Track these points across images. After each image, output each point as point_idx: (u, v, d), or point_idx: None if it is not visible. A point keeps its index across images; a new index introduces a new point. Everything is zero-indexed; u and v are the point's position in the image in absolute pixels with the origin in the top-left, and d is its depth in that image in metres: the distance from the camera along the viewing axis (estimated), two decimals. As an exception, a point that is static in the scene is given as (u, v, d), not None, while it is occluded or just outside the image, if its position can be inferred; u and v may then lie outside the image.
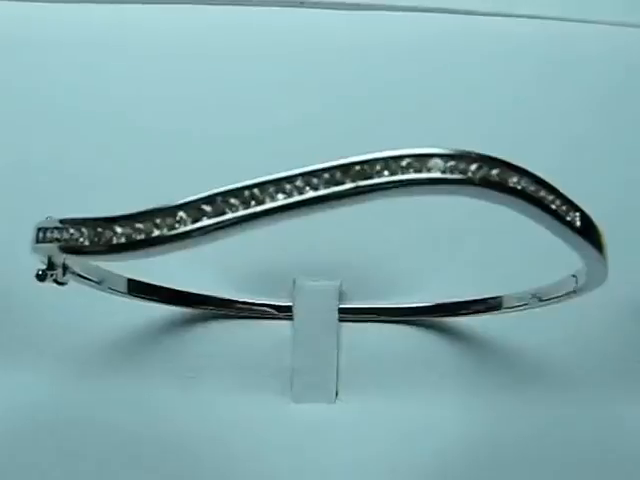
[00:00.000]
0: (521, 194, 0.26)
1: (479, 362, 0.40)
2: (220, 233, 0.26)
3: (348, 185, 0.25)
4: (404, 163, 0.25)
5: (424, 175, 0.25)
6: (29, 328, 0.39)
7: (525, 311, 0.38)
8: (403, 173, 0.25)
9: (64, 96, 0.43)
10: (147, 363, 0.39)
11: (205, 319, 0.40)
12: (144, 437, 0.38)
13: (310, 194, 0.25)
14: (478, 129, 0.42)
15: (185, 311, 0.40)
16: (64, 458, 0.38)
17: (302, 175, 0.25)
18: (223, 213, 0.26)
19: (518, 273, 0.39)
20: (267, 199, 0.25)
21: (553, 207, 0.27)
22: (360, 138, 0.40)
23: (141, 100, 0.43)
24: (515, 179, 0.26)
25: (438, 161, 0.26)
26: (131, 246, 0.26)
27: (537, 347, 0.40)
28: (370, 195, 0.25)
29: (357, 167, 0.25)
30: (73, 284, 0.34)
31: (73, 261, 0.33)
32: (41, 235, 0.29)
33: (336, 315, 0.40)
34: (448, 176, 0.26)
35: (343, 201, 0.25)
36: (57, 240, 0.28)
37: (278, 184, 0.26)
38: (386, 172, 0.25)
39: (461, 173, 0.26)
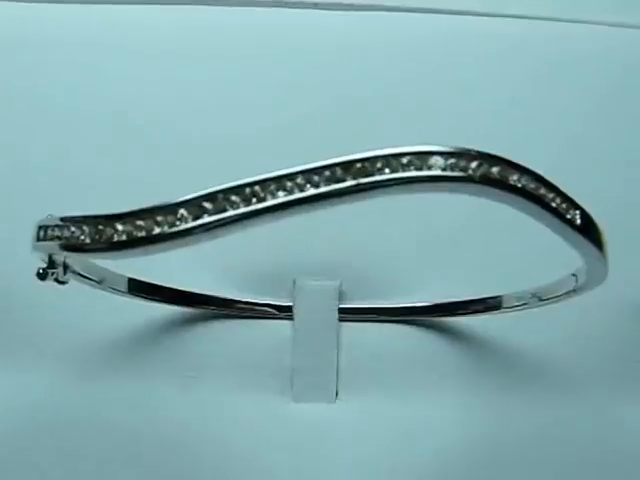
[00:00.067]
0: (521, 192, 0.26)
1: (479, 362, 0.40)
2: (221, 230, 0.26)
3: (349, 182, 0.25)
4: (405, 161, 0.26)
5: (425, 173, 0.26)
6: (29, 327, 0.39)
7: (525, 311, 0.38)
8: (404, 171, 0.25)
9: (65, 96, 0.43)
10: (148, 363, 0.39)
11: (205, 319, 0.40)
12: (145, 436, 0.38)
13: (311, 191, 0.25)
14: (477, 128, 0.42)
15: (185, 311, 0.40)
16: (64, 458, 0.38)
17: (303, 172, 0.26)
18: (224, 210, 0.26)
19: (518, 273, 0.39)
20: (268, 196, 0.26)
21: (553, 205, 0.27)
22: (361, 136, 0.40)
23: (141, 100, 0.43)
24: (515, 177, 0.26)
25: (439, 159, 0.26)
26: (132, 243, 0.26)
27: (537, 347, 0.40)
28: (371, 192, 0.26)
29: (358, 164, 0.25)
30: (73, 283, 0.35)
31: (74, 260, 0.33)
32: (42, 233, 0.29)
33: (336, 315, 0.40)
34: (448, 174, 0.26)
35: (344, 198, 0.25)
36: (58, 238, 0.28)
37: (279, 181, 0.26)
38: (387, 170, 0.25)
39: (461, 171, 0.26)
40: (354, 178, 0.25)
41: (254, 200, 0.26)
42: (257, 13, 0.45)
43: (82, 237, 0.27)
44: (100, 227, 0.27)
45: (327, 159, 0.26)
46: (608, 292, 0.35)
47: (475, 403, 0.39)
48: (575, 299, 0.35)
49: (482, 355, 0.40)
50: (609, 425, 0.39)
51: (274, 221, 0.26)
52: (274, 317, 0.40)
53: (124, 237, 0.27)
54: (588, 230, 0.28)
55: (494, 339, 0.40)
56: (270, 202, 0.25)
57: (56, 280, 0.33)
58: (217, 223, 0.26)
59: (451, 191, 0.26)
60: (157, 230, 0.26)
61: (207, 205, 0.26)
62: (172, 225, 0.26)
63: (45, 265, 0.32)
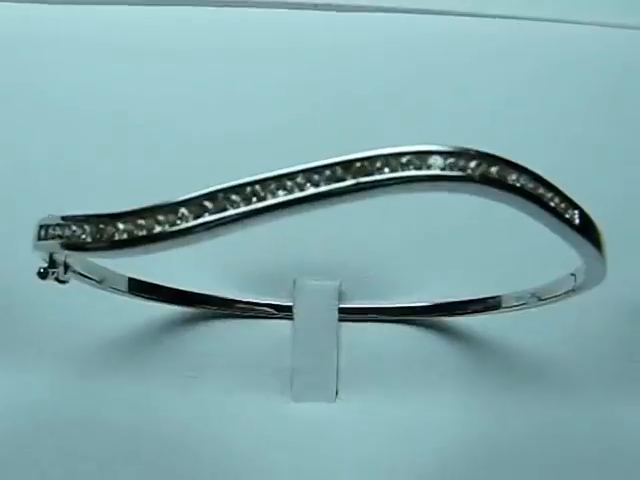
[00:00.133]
0: (520, 191, 0.27)
1: (478, 362, 0.40)
2: (221, 229, 0.26)
3: (349, 182, 0.26)
4: (404, 160, 0.26)
5: (424, 172, 0.26)
6: (30, 326, 0.39)
7: (524, 311, 0.38)
8: (403, 170, 0.26)
9: (65, 96, 0.43)
10: (148, 362, 0.39)
11: (206, 318, 0.40)
12: (145, 436, 0.38)
13: (311, 190, 0.25)
14: (476, 128, 0.42)
15: (186, 310, 0.40)
16: (65, 457, 0.38)
17: (303, 172, 0.26)
18: (224, 209, 0.26)
19: (517, 272, 0.39)
20: (268, 195, 0.26)
21: (552, 204, 0.27)
22: (361, 136, 0.40)
23: (142, 99, 0.43)
24: (514, 176, 0.27)
25: (438, 158, 0.26)
26: (133, 242, 0.27)
27: (536, 347, 0.40)
28: (371, 192, 0.26)
29: (358, 164, 0.26)
30: (74, 283, 0.35)
31: (74, 259, 0.33)
32: (43, 232, 0.29)
33: (336, 315, 0.40)
34: (448, 173, 0.26)
35: (344, 198, 0.26)
36: (59, 237, 0.28)
37: (279, 181, 0.26)
38: (386, 169, 0.26)
39: (460, 170, 0.26)
40: (354, 177, 0.25)
41: (254, 199, 0.26)
42: (257, 14, 0.45)
43: (83, 236, 0.28)
44: (101, 226, 0.27)
45: (327, 158, 0.26)
46: (607, 292, 0.35)
47: (474, 402, 0.39)
48: (574, 299, 0.35)
49: (481, 355, 0.40)
50: (607, 424, 0.39)
51: (274, 220, 0.26)
52: (274, 317, 0.40)
53: (125, 236, 0.27)
54: (587, 230, 0.28)
55: (493, 339, 0.40)
56: (270, 201, 0.26)
57: (57, 279, 0.33)
58: (218, 222, 0.26)
59: (450, 190, 0.26)
60: (158, 229, 0.26)
61: (208, 204, 0.26)
62: (173, 224, 0.26)
63: (46, 264, 0.32)
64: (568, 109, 0.43)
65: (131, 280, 0.38)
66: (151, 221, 0.26)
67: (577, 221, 0.28)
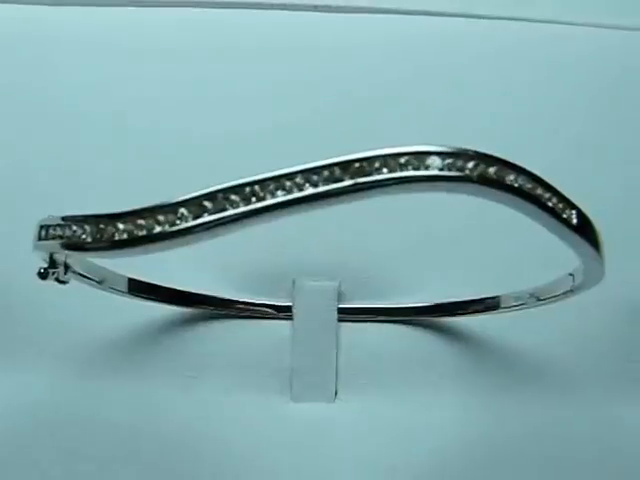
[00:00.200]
0: (518, 191, 0.27)
1: (477, 362, 0.40)
2: (221, 229, 0.26)
3: (347, 182, 0.26)
4: (402, 160, 0.26)
5: (422, 172, 0.26)
6: (30, 327, 0.39)
7: (523, 311, 0.38)
8: (401, 170, 0.26)
9: (66, 97, 0.43)
10: (147, 362, 0.39)
11: (205, 319, 0.40)
12: (145, 436, 0.38)
13: (309, 191, 0.26)
14: (474, 129, 0.42)
15: (185, 311, 0.40)
16: (65, 457, 0.38)
17: (302, 172, 0.26)
18: (224, 209, 0.26)
19: (515, 273, 0.40)
20: (267, 196, 0.26)
21: (550, 205, 0.27)
22: (359, 136, 0.40)
23: (142, 100, 0.43)
24: (512, 177, 0.27)
25: (436, 158, 0.26)
26: (133, 242, 0.27)
27: (535, 347, 0.40)
28: (369, 192, 0.26)
29: (356, 164, 0.26)
30: (74, 283, 0.35)
31: (74, 259, 0.33)
32: (43, 232, 0.29)
33: (335, 315, 0.40)
34: (446, 173, 0.26)
35: (342, 198, 0.26)
36: (59, 237, 0.28)
37: (278, 181, 0.26)
38: (385, 169, 0.26)
39: (459, 170, 0.26)
40: (352, 178, 0.26)
41: (254, 199, 0.26)
42: (256, 15, 0.45)
43: (83, 236, 0.28)
44: (101, 226, 0.27)
45: (326, 159, 0.26)
46: (605, 292, 0.35)
47: (473, 403, 0.39)
48: (573, 299, 0.35)
49: (480, 355, 0.40)
50: (606, 424, 0.39)
51: (273, 220, 0.26)
52: (273, 317, 0.40)
53: (125, 236, 0.27)
54: (584, 230, 0.28)
55: (492, 339, 0.40)
56: (269, 201, 0.26)
57: (57, 280, 0.33)
58: (217, 222, 0.26)
59: (448, 191, 0.26)
60: (158, 229, 0.26)
61: (207, 204, 0.26)
62: (173, 224, 0.26)
63: (46, 265, 0.32)
64: (565, 110, 0.44)
65: (131, 280, 0.38)
66: (151, 221, 0.27)
67: (575, 221, 0.28)
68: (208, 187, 0.26)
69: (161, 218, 0.26)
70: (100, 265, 0.36)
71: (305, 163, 0.26)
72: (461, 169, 0.26)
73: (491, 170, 0.26)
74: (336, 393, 0.40)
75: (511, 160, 0.27)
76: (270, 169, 0.26)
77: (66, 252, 0.29)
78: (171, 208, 0.26)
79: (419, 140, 0.26)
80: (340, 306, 0.40)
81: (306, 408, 0.39)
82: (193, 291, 0.40)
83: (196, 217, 0.26)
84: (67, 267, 0.33)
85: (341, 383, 0.40)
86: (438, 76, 0.44)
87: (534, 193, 0.27)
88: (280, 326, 0.40)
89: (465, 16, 0.45)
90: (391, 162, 0.26)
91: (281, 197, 0.26)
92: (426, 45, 0.45)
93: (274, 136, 0.42)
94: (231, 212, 0.26)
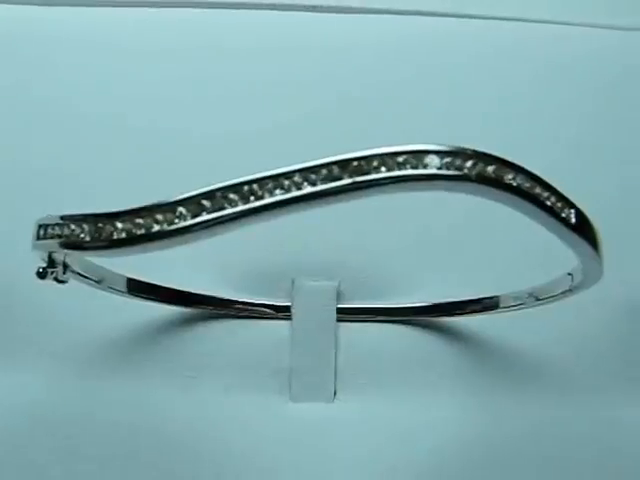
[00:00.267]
0: (516, 190, 0.27)
1: (476, 362, 0.40)
2: (219, 228, 0.26)
3: (345, 181, 0.26)
4: (401, 159, 0.26)
5: (420, 171, 0.26)
6: (29, 326, 0.39)
7: (522, 311, 0.38)
8: (400, 169, 0.26)
9: (64, 96, 0.43)
10: (146, 362, 0.39)
11: (204, 319, 0.40)
12: (144, 435, 0.38)
13: (308, 189, 0.26)
14: (472, 128, 0.42)
15: (184, 311, 0.40)
16: (63, 457, 0.38)
17: (300, 171, 0.26)
18: (222, 208, 0.26)
19: (514, 272, 0.40)
20: (266, 194, 0.26)
21: (548, 204, 0.27)
22: (358, 135, 0.40)
23: (140, 100, 0.43)
24: (511, 176, 0.27)
25: (434, 157, 0.26)
26: (131, 241, 0.27)
27: (533, 347, 0.40)
28: (367, 191, 0.26)
29: (354, 163, 0.26)
30: (73, 283, 0.35)
31: (73, 259, 0.33)
32: (42, 232, 0.29)
33: (334, 315, 0.40)
34: (444, 172, 0.26)
35: (340, 197, 0.26)
36: (58, 236, 0.28)
37: (276, 180, 0.26)
38: (383, 168, 0.26)
39: (457, 169, 0.26)
40: (350, 176, 0.26)
41: (252, 198, 0.26)
42: (253, 16, 0.45)
43: (82, 235, 0.28)
44: (100, 225, 0.27)
45: (324, 158, 0.26)
46: (604, 291, 0.35)
47: (472, 402, 0.39)
48: (571, 299, 0.35)
49: (479, 355, 0.40)
50: (605, 424, 0.39)
51: (272, 219, 0.26)
52: (272, 317, 0.40)
53: (123, 235, 0.27)
54: (583, 229, 0.28)
55: (491, 339, 0.40)
56: (268, 200, 0.26)
57: (56, 279, 0.33)
58: (215, 221, 0.26)
59: (447, 190, 0.26)
60: (156, 228, 0.26)
61: (206, 203, 0.26)
62: (171, 223, 0.26)
63: (45, 264, 0.32)
64: (562, 109, 0.44)
65: (130, 280, 0.39)
66: (149, 220, 0.27)
67: (573, 220, 0.28)
68: (207, 186, 0.26)
69: (160, 217, 0.26)
70: (99, 265, 0.36)
71: (303, 162, 0.26)
72: (459, 168, 0.26)
73: (489, 169, 0.26)
74: (335, 393, 0.40)
75: (510, 159, 0.27)
76: (268, 168, 0.26)
77: (65, 251, 0.30)
78: (169, 207, 0.26)
79: (417, 139, 0.26)
80: (339, 306, 0.40)
81: (305, 408, 0.39)
82: (192, 291, 0.40)
83: (194, 216, 0.26)
84: (66, 267, 0.33)
85: (340, 383, 0.40)
86: (435, 75, 0.44)
87: (532, 192, 0.27)
88: (279, 326, 0.40)
89: (461, 17, 0.45)
90: (389, 161, 0.26)
91: (279, 196, 0.26)
92: (423, 45, 0.45)
93: (272, 135, 0.42)
94: (229, 211, 0.26)
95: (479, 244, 0.41)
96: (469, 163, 0.26)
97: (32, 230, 0.30)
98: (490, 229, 0.41)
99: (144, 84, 0.44)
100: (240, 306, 0.40)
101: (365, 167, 0.26)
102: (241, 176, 0.26)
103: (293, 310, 0.40)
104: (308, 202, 0.26)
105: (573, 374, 0.40)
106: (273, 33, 0.45)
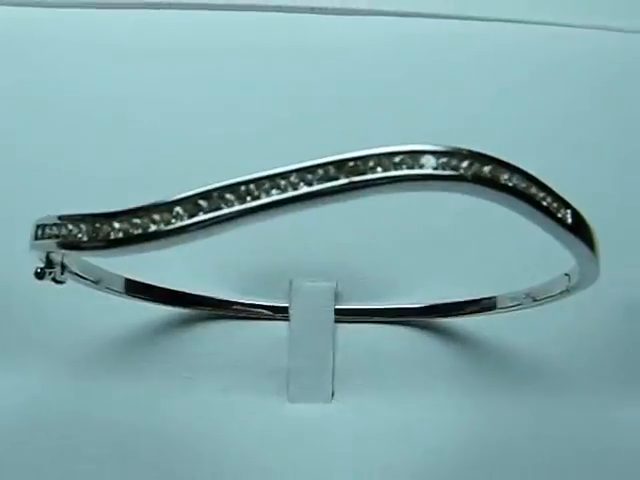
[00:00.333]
0: (512, 191, 0.27)
1: (474, 362, 0.40)
2: (216, 228, 0.26)
3: (342, 181, 0.26)
4: (397, 159, 0.26)
5: (416, 171, 0.26)
6: (26, 327, 0.39)
7: (519, 312, 0.38)
8: (396, 169, 0.26)
9: (61, 96, 0.43)
10: (144, 363, 0.39)
11: (202, 319, 0.40)
12: (141, 436, 0.38)
13: (304, 190, 0.26)
14: (468, 128, 0.42)
15: (182, 311, 0.40)
16: (60, 457, 0.38)
17: (296, 171, 0.26)
18: (219, 208, 0.26)
19: (512, 273, 0.40)
20: (262, 194, 0.26)
21: (544, 204, 0.27)
22: (354, 136, 0.40)
23: (137, 100, 0.43)
24: (507, 176, 0.27)
25: (430, 158, 0.26)
26: (128, 241, 0.27)
27: (531, 347, 0.40)
28: (363, 191, 0.26)
29: (351, 163, 0.26)
30: (70, 283, 0.35)
31: (71, 259, 0.33)
32: (40, 232, 0.29)
33: (332, 316, 0.40)
34: (440, 172, 0.26)
35: (336, 197, 0.26)
36: (56, 236, 0.28)
37: (273, 180, 0.26)
38: (379, 168, 0.26)
39: (453, 170, 0.26)
40: (347, 177, 0.26)
41: (248, 198, 0.26)
42: (254, 17, 0.45)
43: (79, 235, 0.28)
44: (97, 225, 0.27)
45: (320, 158, 0.26)
46: (601, 291, 0.35)
47: (469, 403, 0.39)
48: (569, 299, 0.35)
49: (477, 356, 0.40)
50: (603, 425, 0.39)
51: (268, 219, 0.26)
52: (270, 318, 0.40)
53: (121, 235, 0.27)
54: (579, 229, 0.28)
55: (489, 340, 0.40)
56: (264, 200, 0.26)
57: (53, 280, 0.33)
58: (212, 221, 0.26)
59: (443, 190, 0.26)
60: (153, 228, 0.27)
61: (202, 203, 0.26)
62: (168, 223, 0.26)
63: (43, 264, 0.32)
64: (562, 110, 0.44)
65: (127, 281, 0.39)
66: (146, 220, 0.27)
67: (569, 220, 0.28)
68: (203, 186, 0.26)
69: (157, 217, 0.26)
70: (97, 265, 0.36)
71: (300, 162, 0.26)
72: (455, 168, 0.26)
73: (485, 169, 0.26)
74: (333, 394, 0.40)
75: (506, 159, 0.27)
76: (265, 168, 0.26)
77: (62, 251, 0.30)
78: (166, 207, 0.26)
79: (414, 140, 0.27)
80: (337, 307, 0.40)
81: (303, 409, 0.39)
82: (190, 292, 0.40)
83: (191, 216, 0.26)
84: (64, 267, 0.33)
85: (338, 384, 0.40)
86: (436, 76, 0.44)
87: (528, 192, 0.27)
88: (277, 327, 0.40)
89: (461, 18, 0.45)
90: (385, 161, 0.26)
91: (276, 196, 0.26)
92: (424, 46, 0.45)
93: (269, 135, 0.42)
94: (226, 211, 0.26)
95: (476, 245, 0.41)
96: (465, 163, 0.26)
97: (30, 230, 0.30)
98: (487, 230, 0.41)
99: (141, 85, 0.44)
100: (238, 307, 0.40)
101: (361, 167, 0.26)
102: (238, 176, 0.26)
103: (291, 311, 0.40)
104: (304, 202, 0.26)
105: (570, 374, 0.40)
106: (277, 35, 0.45)
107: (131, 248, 0.27)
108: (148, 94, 0.44)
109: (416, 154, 0.26)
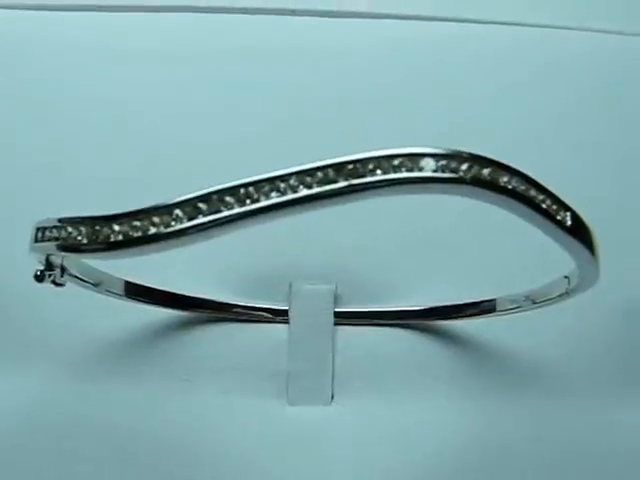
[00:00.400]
0: (512, 193, 0.27)
1: (473, 365, 0.40)
2: (215, 231, 0.26)
3: (341, 184, 0.26)
4: (396, 162, 0.26)
5: (416, 174, 0.26)
6: (26, 329, 0.39)
7: (518, 314, 0.39)
8: (395, 172, 0.26)
9: (61, 99, 0.43)
10: (144, 366, 0.39)
11: (202, 322, 0.40)
12: (141, 439, 0.38)
13: (304, 192, 0.26)
14: (467, 131, 0.42)
15: (182, 314, 0.40)
16: (60, 460, 0.38)
17: (296, 174, 0.26)
18: (218, 211, 0.26)
19: (511, 276, 0.40)
20: (262, 197, 0.26)
21: (543, 206, 0.27)
22: (353, 138, 0.40)
23: (137, 103, 0.43)
24: (506, 178, 0.27)
25: (430, 160, 0.26)
26: (128, 243, 0.27)
27: (530, 350, 0.40)
28: (363, 194, 0.26)
29: (350, 166, 0.26)
30: (70, 286, 0.35)
31: (71, 262, 0.33)
32: (39, 234, 0.29)
33: (332, 318, 0.40)
34: (439, 175, 0.26)
35: (336, 199, 0.26)
36: (55, 239, 0.28)
37: (272, 182, 0.26)
38: (378, 171, 0.26)
39: (452, 172, 0.26)
40: (346, 179, 0.26)
41: (248, 201, 0.26)
42: (253, 20, 0.45)
43: (79, 237, 0.28)
44: (97, 227, 0.27)
45: (320, 160, 0.26)
46: (601, 294, 0.35)
47: (469, 406, 0.39)
48: (568, 302, 0.35)
49: (476, 358, 0.40)
50: (603, 427, 0.39)
51: (268, 222, 0.26)
52: (270, 321, 0.40)
53: (120, 237, 0.27)
54: (579, 231, 0.28)
55: (488, 342, 0.40)
56: (263, 203, 0.26)
57: (53, 282, 0.33)
58: (212, 224, 0.26)
59: (442, 192, 0.26)
60: (153, 230, 0.27)
61: (202, 206, 0.26)
62: (167, 225, 0.26)
63: (43, 267, 0.32)
64: (560, 113, 0.44)
65: (127, 283, 0.39)
66: (146, 222, 0.27)
67: (569, 223, 0.28)
68: (203, 189, 0.26)
69: (156, 220, 0.26)
70: (96, 268, 0.36)
71: (299, 165, 0.26)
72: (455, 171, 0.26)
73: (485, 172, 0.26)
74: (332, 396, 0.40)
75: (505, 162, 0.27)
76: (264, 171, 0.26)
77: (62, 254, 0.30)
78: (166, 210, 0.26)
79: (413, 142, 0.27)
80: (336, 309, 0.40)
81: (302, 411, 0.39)
82: (190, 294, 0.40)
83: (191, 218, 0.26)
84: (63, 269, 0.33)
85: (337, 386, 0.40)
86: (431, 79, 0.44)
87: (528, 195, 0.27)
88: (276, 329, 0.40)
89: (459, 21, 0.45)
90: (385, 164, 0.26)
91: (275, 199, 0.26)
92: (422, 49, 0.45)
93: (268, 138, 0.42)
94: (225, 213, 0.26)
95: (476, 247, 0.41)
96: (464, 166, 0.26)
97: (29, 233, 0.30)
98: (487, 233, 0.41)
99: (141, 87, 0.44)
100: (238, 310, 0.40)
101: (361, 170, 0.26)
102: (237, 179, 0.26)
103: (291, 314, 0.40)
104: (304, 205, 0.26)
105: (570, 377, 0.40)
106: (276, 38, 0.45)
107: (131, 251, 0.27)
108: (148, 97, 0.44)
109: (415, 157, 0.26)
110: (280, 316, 0.40)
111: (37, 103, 0.43)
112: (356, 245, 0.41)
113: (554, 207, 0.28)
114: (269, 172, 0.26)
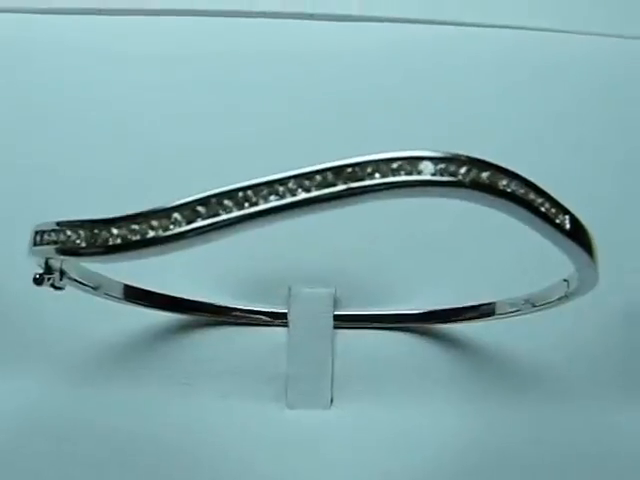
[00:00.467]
0: (511, 197, 0.27)
1: (473, 368, 0.40)
2: (214, 234, 0.26)
3: (340, 187, 0.26)
4: (395, 165, 0.26)
5: (415, 177, 0.26)
6: (25, 333, 0.39)
7: (518, 318, 0.38)
8: (394, 175, 0.26)
9: (61, 102, 0.43)
10: (143, 369, 0.39)
11: (201, 326, 0.40)
12: (140, 442, 0.38)
13: (302, 196, 0.26)
14: (466, 135, 0.42)
15: (181, 317, 0.40)
16: (59, 464, 0.38)
17: (295, 177, 0.26)
18: (217, 214, 0.26)
19: (510, 279, 0.40)
20: (260, 201, 0.26)
21: (542, 210, 0.27)
22: (352, 142, 0.40)
23: (136, 106, 0.43)
24: (505, 182, 0.27)
25: (428, 164, 0.26)
26: (127, 247, 0.27)
27: (530, 353, 0.40)
28: (361, 197, 0.26)
29: (349, 169, 0.26)
30: (69, 289, 0.35)
31: (70, 265, 0.33)
32: (38, 238, 0.29)
33: (331, 322, 0.40)
34: (438, 178, 0.26)
35: (334, 203, 0.26)
36: (54, 242, 0.28)
37: (271, 186, 0.26)
38: (377, 174, 0.26)
39: (451, 175, 0.26)
40: (345, 183, 0.26)
41: (246, 204, 0.26)
42: (255, 24, 0.46)
43: (78, 241, 0.28)
44: (96, 231, 0.27)
45: (318, 164, 0.26)
46: (600, 297, 0.35)
47: (469, 409, 0.39)
48: (568, 305, 0.35)
49: (476, 362, 0.40)
50: (602, 430, 0.39)
51: (266, 225, 0.26)
52: (269, 324, 0.40)
53: (119, 241, 0.27)
54: (578, 235, 0.28)
55: (488, 345, 0.40)
56: (262, 206, 0.26)
57: (52, 286, 0.33)
58: (210, 227, 0.26)
59: (441, 196, 0.26)
60: (151, 234, 0.27)
61: (200, 209, 0.26)
62: (166, 229, 0.26)
63: (42, 270, 0.32)
64: (558, 116, 0.44)
65: (126, 287, 0.39)
66: (145, 226, 0.27)
67: (568, 226, 0.28)
68: (202, 192, 0.26)
69: (155, 223, 0.26)
70: (95, 271, 0.36)
71: (298, 168, 0.26)
72: (454, 174, 0.26)
73: (484, 175, 0.26)
74: (332, 400, 0.40)
75: (504, 165, 0.27)
76: (263, 174, 0.26)
77: (61, 257, 0.30)
78: (165, 213, 0.26)
79: (411, 146, 0.27)
80: (336, 313, 0.40)
81: (301, 415, 0.39)
82: (189, 298, 0.40)
83: (189, 222, 0.26)
84: (63, 273, 0.33)
85: (337, 390, 0.40)
86: (428, 83, 0.44)
87: (527, 198, 0.27)
88: (276, 333, 0.40)
89: (458, 24, 0.45)
90: (383, 167, 0.26)
91: (274, 202, 0.26)
92: (421, 52, 0.45)
93: (267, 142, 0.42)
94: (224, 217, 0.26)
95: (475, 251, 0.41)
96: (463, 169, 0.26)
97: (28, 236, 0.30)
98: (486, 236, 0.41)
99: (140, 90, 0.44)
100: (237, 313, 0.40)
101: (359, 173, 0.26)
102: (236, 182, 0.26)
103: (290, 317, 0.40)
104: (302, 208, 0.26)
105: (569, 380, 0.40)
106: (272, 41, 0.45)
107: (129, 254, 0.27)
108: (147, 100, 0.44)
109: (414, 160, 0.26)
110: (279, 319, 0.40)
111: (38, 106, 0.43)
112: (355, 248, 0.41)
113: (553, 210, 0.28)
114: (267, 175, 0.26)
